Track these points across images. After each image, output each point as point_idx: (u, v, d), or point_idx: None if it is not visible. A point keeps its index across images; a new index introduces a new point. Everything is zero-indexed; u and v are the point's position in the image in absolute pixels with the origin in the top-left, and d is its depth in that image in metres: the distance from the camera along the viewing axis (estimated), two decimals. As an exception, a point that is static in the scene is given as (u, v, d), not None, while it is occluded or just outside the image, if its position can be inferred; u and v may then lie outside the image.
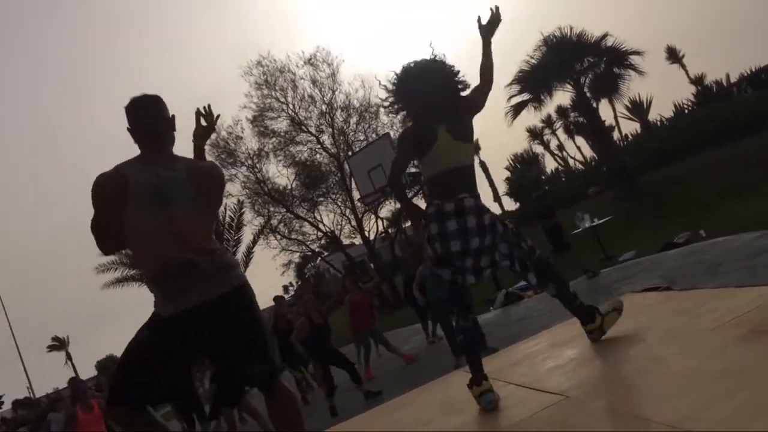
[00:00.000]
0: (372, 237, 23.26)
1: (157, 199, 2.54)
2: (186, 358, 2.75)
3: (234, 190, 21.06)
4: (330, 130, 22.05)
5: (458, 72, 3.48)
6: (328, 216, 22.31)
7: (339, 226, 23.14)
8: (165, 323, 2.54)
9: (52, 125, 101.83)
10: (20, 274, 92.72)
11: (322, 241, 23.09)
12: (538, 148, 35.95)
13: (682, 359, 2.69)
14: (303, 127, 22.03)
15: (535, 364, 3.50)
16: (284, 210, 21.99)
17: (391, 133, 16.40)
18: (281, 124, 22.04)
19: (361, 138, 22.17)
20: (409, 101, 3.42)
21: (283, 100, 21.87)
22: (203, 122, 3.05)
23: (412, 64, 3.41)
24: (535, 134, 33.25)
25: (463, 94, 3.48)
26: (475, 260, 3.26)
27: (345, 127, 22.23)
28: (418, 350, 11.19)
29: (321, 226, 22.72)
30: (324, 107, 21.87)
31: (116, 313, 78.69)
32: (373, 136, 20.67)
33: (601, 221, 13.81)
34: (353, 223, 22.49)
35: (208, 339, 2.58)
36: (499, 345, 7.80)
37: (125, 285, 22.78)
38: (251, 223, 21.17)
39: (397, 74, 3.42)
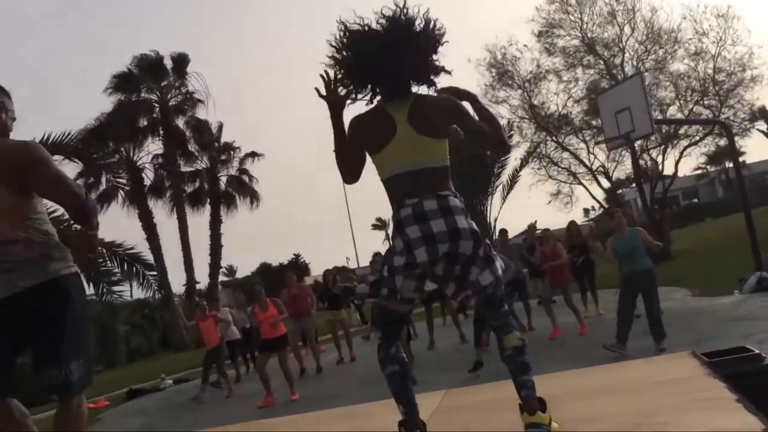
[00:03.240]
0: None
1: None
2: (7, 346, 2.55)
3: (504, 112, 20.59)
4: (622, 54, 19.97)
5: (435, 26, 2.63)
6: (602, 149, 20.52)
7: (614, 162, 21.32)
8: None
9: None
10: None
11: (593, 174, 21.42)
12: None
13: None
14: (593, 49, 20.27)
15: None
16: (549, 137, 20.85)
17: (647, 76, 14.20)
18: (569, 43, 20.60)
19: (660, 66, 19.75)
20: (360, 70, 2.66)
21: (576, 16, 20.32)
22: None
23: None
24: None
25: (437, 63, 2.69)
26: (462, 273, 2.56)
27: (641, 54, 19.90)
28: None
29: (590, 158, 21.17)
30: (621, 29, 19.78)
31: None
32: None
33: None
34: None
35: (13, 330, 2.52)
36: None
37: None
38: (517, 147, 20.64)
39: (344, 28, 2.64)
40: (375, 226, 73.87)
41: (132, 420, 10.38)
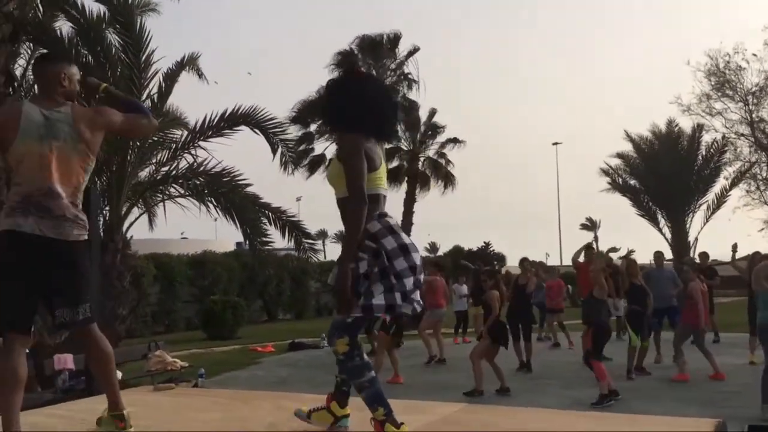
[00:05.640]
0: None
1: (38, 134, 2.96)
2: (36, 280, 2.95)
3: (717, 125, 18.77)
4: None
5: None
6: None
7: None
8: (22, 238, 2.88)
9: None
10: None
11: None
12: None
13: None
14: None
15: None
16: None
17: None
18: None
19: None
20: (369, 107, 3.07)
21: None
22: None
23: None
24: None
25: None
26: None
27: None
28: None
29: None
30: None
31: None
32: None
33: None
34: None
35: (40, 270, 2.94)
36: None
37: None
38: (730, 165, 18.69)
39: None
40: (584, 226, 70.66)
41: (280, 369, 11.44)
